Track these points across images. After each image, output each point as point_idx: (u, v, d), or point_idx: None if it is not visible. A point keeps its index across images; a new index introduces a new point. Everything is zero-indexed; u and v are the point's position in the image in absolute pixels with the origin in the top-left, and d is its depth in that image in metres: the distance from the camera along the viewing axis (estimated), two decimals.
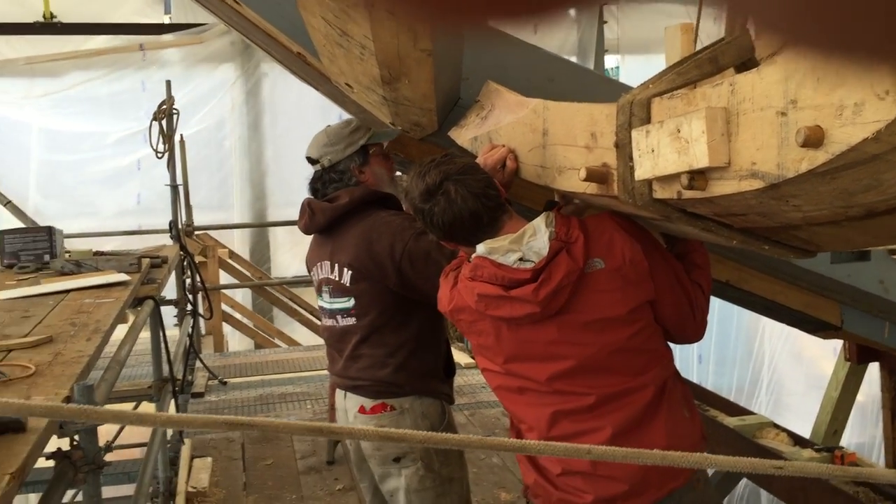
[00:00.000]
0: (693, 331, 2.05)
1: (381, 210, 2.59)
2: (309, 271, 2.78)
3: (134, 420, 0.99)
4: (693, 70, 1.44)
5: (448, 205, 1.94)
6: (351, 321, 2.59)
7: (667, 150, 1.33)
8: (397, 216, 2.56)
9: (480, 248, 1.95)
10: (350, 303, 2.57)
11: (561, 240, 1.89)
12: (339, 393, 2.69)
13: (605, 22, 9.42)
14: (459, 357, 6.35)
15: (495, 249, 1.92)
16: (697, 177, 1.27)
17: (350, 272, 2.54)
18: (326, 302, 2.66)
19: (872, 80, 0.91)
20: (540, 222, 1.93)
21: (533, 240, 1.90)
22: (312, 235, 2.76)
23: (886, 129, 0.92)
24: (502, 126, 2.20)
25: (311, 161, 2.72)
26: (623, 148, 1.52)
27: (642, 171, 1.43)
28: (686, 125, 1.27)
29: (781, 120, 1.09)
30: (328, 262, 2.62)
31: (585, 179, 1.62)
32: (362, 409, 2.57)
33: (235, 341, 8.73)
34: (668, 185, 1.40)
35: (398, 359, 2.54)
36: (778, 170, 1.11)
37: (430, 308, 2.50)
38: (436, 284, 2.20)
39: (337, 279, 2.58)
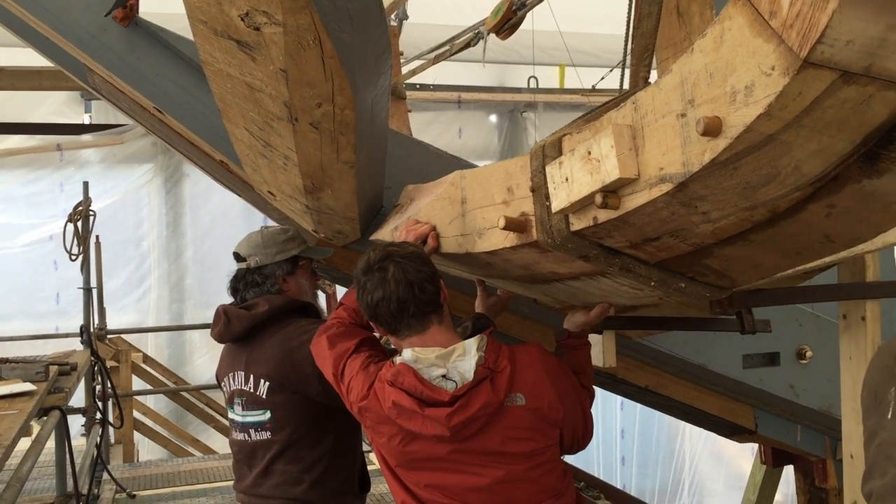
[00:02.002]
0: (580, 447, 2.08)
1: (301, 318, 2.54)
2: (219, 382, 2.66)
3: None
4: (599, 118, 1.51)
5: (380, 282, 1.90)
6: (265, 435, 2.48)
7: (580, 174, 1.38)
8: (316, 324, 2.50)
9: (407, 355, 1.91)
10: (265, 416, 2.47)
11: (488, 367, 1.87)
12: None
13: (525, 129, 9.82)
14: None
15: (421, 360, 1.88)
16: (610, 195, 1.32)
17: (267, 384, 2.46)
18: (238, 415, 2.54)
19: (759, 61, 0.98)
20: (472, 344, 1.90)
21: (460, 360, 1.87)
22: (225, 344, 2.67)
23: (776, 101, 0.98)
24: (421, 208, 2.23)
25: (238, 258, 2.65)
26: (539, 191, 1.56)
27: (558, 202, 1.46)
28: (596, 145, 1.32)
29: (682, 121, 1.15)
30: (242, 373, 2.52)
31: (505, 228, 1.64)
32: None
33: (147, 450, 8.34)
34: (584, 213, 1.44)
35: (313, 475, 2.44)
36: (684, 167, 1.16)
37: (346, 421, 2.44)
38: None
39: (252, 391, 2.49)
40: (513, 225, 1.63)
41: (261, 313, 2.50)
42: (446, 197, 2.05)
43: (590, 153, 1.34)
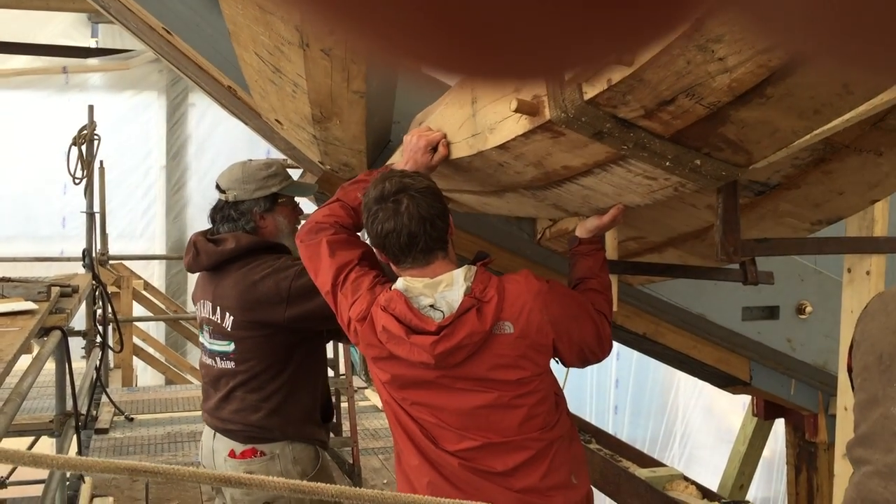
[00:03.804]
0: (597, 358, 2.05)
1: (267, 256, 2.52)
2: (194, 304, 2.70)
3: (28, 461, 0.94)
4: None
5: (393, 214, 1.90)
6: (229, 365, 2.52)
7: None
8: (277, 259, 2.50)
9: (399, 283, 1.94)
10: (230, 347, 2.51)
11: (475, 297, 1.88)
12: (207, 431, 2.62)
13: None
14: (376, 399, 6.27)
15: (410, 289, 1.91)
16: None
17: (232, 318, 2.49)
18: (207, 341, 2.59)
19: None
20: (459, 274, 1.91)
21: (448, 290, 1.89)
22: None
23: None
24: (432, 119, 2.18)
25: (218, 189, 2.64)
26: None
27: None
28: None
29: None
30: (210, 304, 2.55)
31: (517, 110, 1.60)
32: (232, 454, 2.52)
33: (147, 376, 8.45)
34: (598, 76, 1.40)
35: (272, 403, 2.49)
36: None
37: (309, 353, 2.52)
38: (329, 310, 2.14)
39: (219, 322, 2.52)
40: (525, 107, 1.59)
41: (227, 250, 2.51)
42: (456, 101, 2.00)
43: None
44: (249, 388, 2.50)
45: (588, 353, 2.01)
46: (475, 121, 1.90)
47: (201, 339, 2.64)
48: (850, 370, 1.50)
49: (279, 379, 2.50)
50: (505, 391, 1.91)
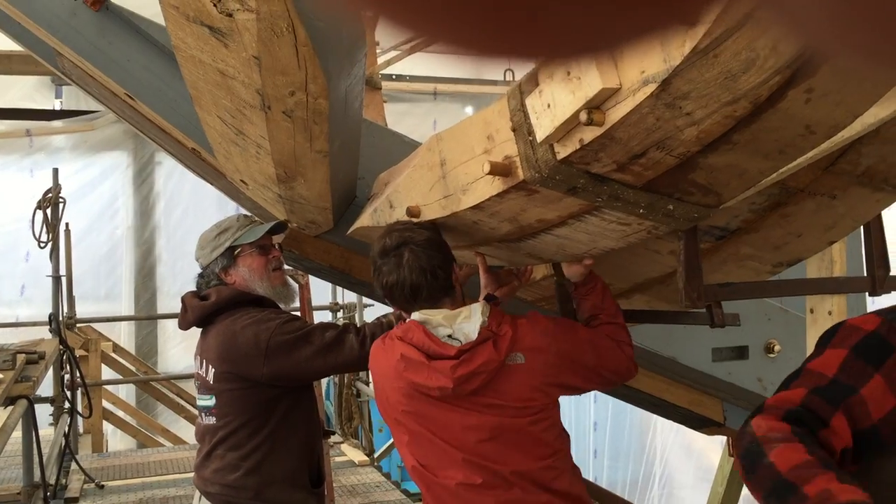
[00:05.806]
0: (623, 378, 2.17)
1: (252, 308, 2.55)
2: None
3: None
4: None
5: (395, 268, 2.01)
6: (212, 420, 2.53)
7: (562, 95, 1.37)
8: (262, 311, 2.52)
9: (416, 315, 2.03)
10: (211, 401, 2.53)
11: (491, 330, 1.99)
12: (196, 491, 2.61)
13: None
14: (353, 455, 6.20)
15: (429, 321, 2.01)
16: (595, 111, 1.31)
17: (213, 370, 2.51)
18: (197, 397, 2.65)
19: None
20: (476, 308, 2.02)
21: (465, 322, 2.00)
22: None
23: None
24: (400, 182, 2.21)
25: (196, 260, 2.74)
26: (520, 129, 1.55)
27: (543, 130, 1.45)
28: (574, 63, 1.31)
29: None
30: (199, 357, 2.60)
31: (490, 172, 1.62)
32: None
33: (116, 440, 8.27)
34: (569, 138, 1.42)
35: (250, 462, 2.47)
36: (665, 63, 1.16)
37: (292, 404, 2.53)
38: (311, 366, 2.35)
39: (204, 376, 2.55)
40: (498, 169, 1.62)
41: (209, 304, 2.57)
42: (424, 164, 2.03)
43: (569, 73, 1.33)
44: (229, 446, 2.50)
45: (610, 375, 2.12)
46: (446, 182, 1.93)
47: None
48: None
49: (259, 435, 2.48)
50: (517, 418, 2.00)
